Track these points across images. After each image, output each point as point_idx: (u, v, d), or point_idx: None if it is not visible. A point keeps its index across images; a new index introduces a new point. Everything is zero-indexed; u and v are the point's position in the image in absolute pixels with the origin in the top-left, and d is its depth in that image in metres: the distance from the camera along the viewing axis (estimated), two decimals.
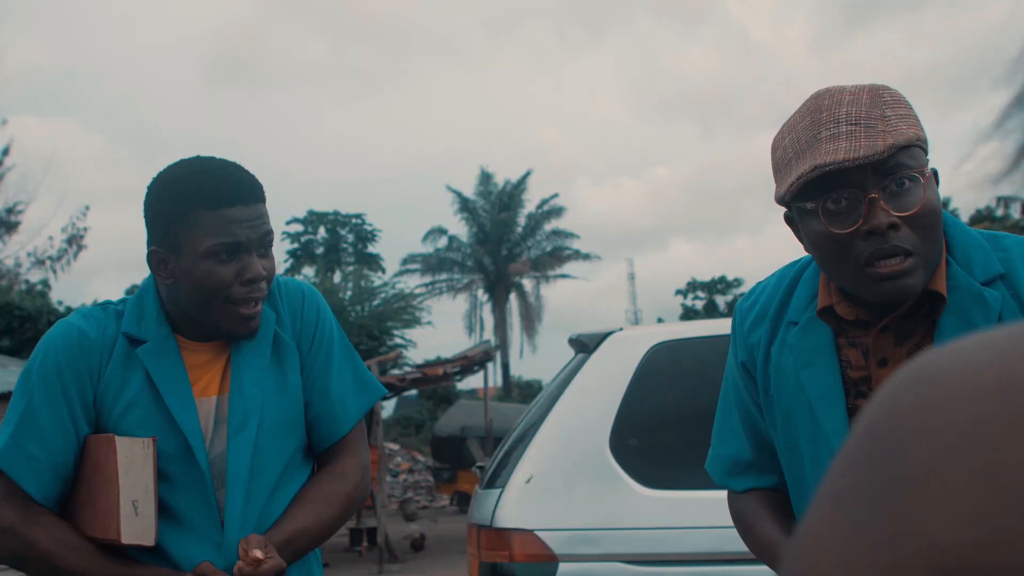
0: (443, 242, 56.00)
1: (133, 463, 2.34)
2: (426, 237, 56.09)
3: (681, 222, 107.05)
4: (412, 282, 50.50)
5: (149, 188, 2.43)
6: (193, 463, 2.38)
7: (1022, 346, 0.52)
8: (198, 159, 2.44)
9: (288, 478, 2.49)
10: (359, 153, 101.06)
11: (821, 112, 1.83)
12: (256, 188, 2.41)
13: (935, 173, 1.84)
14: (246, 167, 2.45)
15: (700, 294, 55.35)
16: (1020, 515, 0.48)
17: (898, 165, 1.78)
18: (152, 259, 2.42)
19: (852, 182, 1.79)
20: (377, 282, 29.10)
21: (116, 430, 2.39)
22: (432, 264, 55.60)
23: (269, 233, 2.41)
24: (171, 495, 2.38)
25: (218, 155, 2.46)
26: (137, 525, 2.33)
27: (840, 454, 0.56)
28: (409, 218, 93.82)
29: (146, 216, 2.43)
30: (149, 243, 2.42)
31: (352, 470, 2.55)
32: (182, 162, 2.44)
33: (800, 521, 0.57)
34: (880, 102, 1.81)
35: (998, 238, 1.89)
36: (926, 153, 1.83)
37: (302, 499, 2.48)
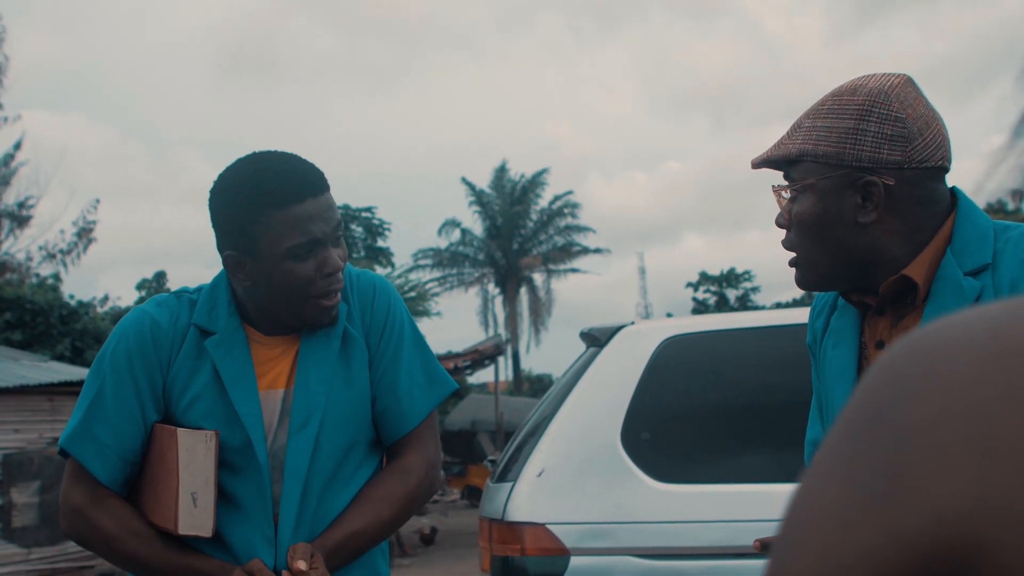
0: (456, 235, 56.10)
1: (195, 455, 2.37)
2: (441, 229, 56.21)
3: (693, 216, 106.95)
4: (423, 276, 50.62)
5: (213, 192, 2.43)
6: (253, 456, 2.40)
7: (1016, 316, 0.53)
8: (259, 157, 2.42)
9: (351, 472, 2.49)
10: (371, 147, 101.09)
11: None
12: (320, 178, 2.41)
13: (854, 182, 1.93)
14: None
15: (711, 288, 55.28)
16: (1016, 474, 0.49)
17: (787, 175, 2.01)
18: (228, 263, 2.42)
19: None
20: (385, 275, 29.10)
21: (183, 419, 2.42)
22: (444, 258, 55.65)
23: (340, 221, 2.41)
24: (232, 485, 2.41)
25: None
26: (195, 517, 2.37)
27: (838, 420, 0.58)
28: (421, 213, 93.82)
29: (215, 221, 2.42)
30: (221, 247, 2.42)
31: (416, 467, 2.54)
32: (243, 162, 2.42)
33: (797, 484, 0.58)
34: (817, 110, 1.98)
35: (1007, 228, 1.94)
36: (829, 166, 1.93)
37: (362, 498, 2.48)
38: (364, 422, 2.52)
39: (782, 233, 2.07)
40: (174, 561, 2.40)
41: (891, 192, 1.92)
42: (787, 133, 2.02)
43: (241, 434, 2.40)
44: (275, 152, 2.43)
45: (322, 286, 2.38)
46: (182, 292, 2.54)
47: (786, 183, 2.02)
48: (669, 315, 43.73)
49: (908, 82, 1.96)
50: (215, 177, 2.44)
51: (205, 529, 2.38)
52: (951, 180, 2.01)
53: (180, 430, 2.38)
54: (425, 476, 2.55)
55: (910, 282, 1.94)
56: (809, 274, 2.04)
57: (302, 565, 2.31)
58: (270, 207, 2.33)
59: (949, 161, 1.96)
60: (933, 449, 0.51)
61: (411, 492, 2.52)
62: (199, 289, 2.54)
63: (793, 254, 2.06)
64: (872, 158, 1.90)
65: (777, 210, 2.07)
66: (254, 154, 2.44)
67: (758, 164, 2.05)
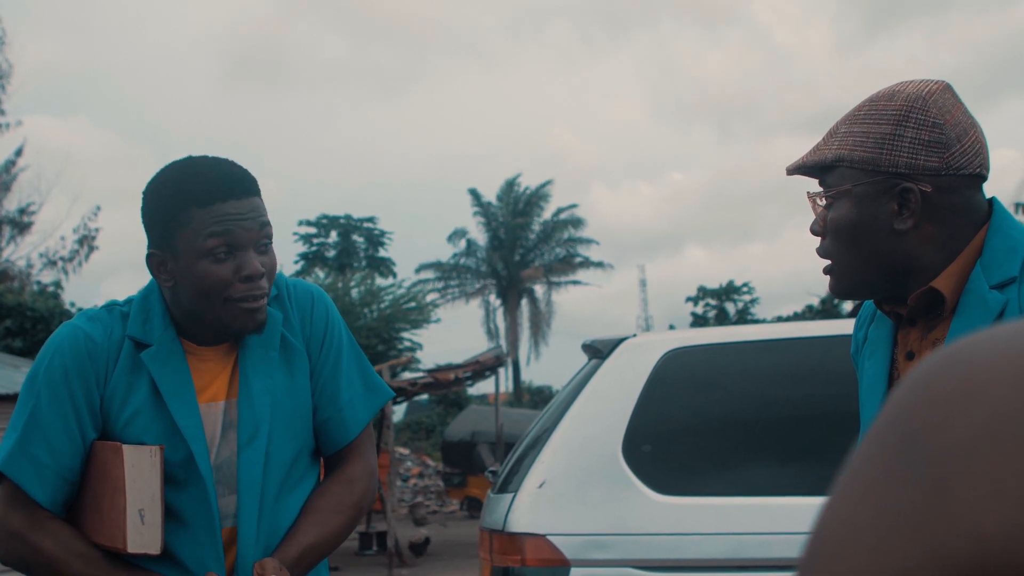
0: (463, 244, 56.16)
1: (140, 471, 2.32)
2: (451, 238, 56.23)
3: (696, 228, 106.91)
4: (425, 288, 50.61)
5: (144, 192, 2.41)
6: (196, 470, 2.36)
7: None
8: (190, 159, 2.40)
9: (296, 482, 2.48)
10: (374, 156, 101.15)
11: None
12: (247, 181, 2.37)
13: (890, 188, 1.91)
14: (256, 166, 2.42)
15: (711, 301, 55.23)
16: None
17: (823, 181, 2.00)
18: (151, 262, 2.39)
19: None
20: (386, 284, 29.10)
21: (122, 435, 2.37)
22: (446, 270, 55.66)
23: (266, 227, 2.37)
24: (176, 500, 2.37)
25: (232, 156, 2.45)
26: (143, 534, 2.32)
27: (866, 439, 0.56)
28: (423, 222, 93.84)
29: (143, 220, 2.40)
30: (148, 246, 2.40)
31: (360, 476, 2.55)
32: (173, 163, 2.41)
33: (824, 505, 0.57)
34: (855, 115, 1.96)
35: None
36: (866, 172, 1.92)
37: (311, 509, 2.47)
38: (308, 430, 2.50)
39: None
40: None
41: (928, 199, 1.90)
42: (823, 139, 2.01)
43: (183, 448, 2.36)
44: (209, 156, 2.42)
45: (240, 290, 2.33)
46: (112, 305, 2.48)
47: (821, 190, 2.01)
48: (672, 327, 43.71)
49: (947, 88, 1.95)
50: None
51: (154, 546, 2.32)
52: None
53: (125, 446, 2.33)
54: (368, 484, 2.56)
55: (938, 294, 1.93)
56: (843, 282, 2.03)
57: None
58: (191, 204, 2.31)
59: (987, 169, 1.94)
60: (974, 471, 0.49)
61: (357, 501, 2.52)
62: (129, 301, 2.49)
63: (827, 261, 2.05)
64: (909, 164, 1.88)
65: (811, 217, 2.07)
66: (188, 157, 2.42)
67: (793, 170, 2.04)
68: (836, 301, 48.60)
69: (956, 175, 1.89)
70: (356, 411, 2.55)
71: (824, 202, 2.00)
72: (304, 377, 2.49)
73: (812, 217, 2.07)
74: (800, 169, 2.03)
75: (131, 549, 2.31)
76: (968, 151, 1.89)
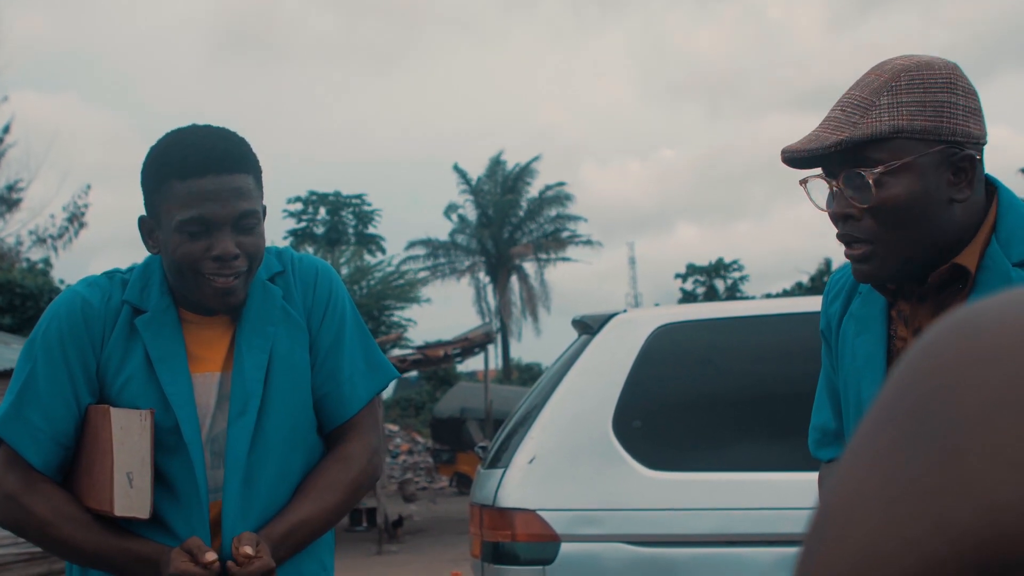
0: (457, 218, 56.06)
1: (129, 435, 2.32)
2: (446, 212, 56.13)
3: (686, 205, 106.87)
4: (415, 265, 50.61)
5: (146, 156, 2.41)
6: (183, 438, 2.36)
7: None
8: (185, 128, 2.39)
9: (296, 459, 2.46)
10: (364, 132, 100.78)
11: (849, 87, 1.91)
12: (233, 158, 2.32)
13: (948, 158, 1.84)
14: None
15: (699, 278, 55.31)
16: None
17: (860, 158, 1.84)
18: (142, 228, 2.41)
19: (825, 167, 1.90)
20: (374, 262, 29.08)
21: (118, 400, 2.37)
22: (435, 247, 55.59)
23: (247, 207, 2.32)
24: (167, 467, 2.37)
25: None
26: (131, 498, 2.32)
27: (874, 407, 0.55)
28: (413, 199, 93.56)
29: (140, 184, 2.41)
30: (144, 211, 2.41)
31: (358, 453, 2.51)
32: (171, 131, 2.39)
33: (831, 476, 0.56)
34: (891, 86, 1.84)
35: None
36: (927, 142, 1.83)
37: (306, 487, 2.45)
38: (306, 407, 2.49)
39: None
40: (112, 545, 2.34)
41: (976, 167, 1.86)
42: (851, 114, 1.86)
43: (173, 415, 2.36)
44: (208, 126, 2.39)
45: (211, 268, 2.30)
46: (114, 272, 2.49)
47: (845, 170, 1.86)
48: (657, 305, 43.75)
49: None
50: None
51: (142, 511, 2.32)
52: None
53: (114, 409, 2.33)
54: (368, 463, 2.52)
55: (960, 270, 1.88)
56: (888, 265, 1.89)
57: (248, 550, 2.28)
58: (173, 176, 2.29)
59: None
60: (986, 440, 0.49)
61: (354, 479, 2.49)
62: (131, 268, 2.50)
63: (861, 246, 1.89)
64: (964, 132, 1.83)
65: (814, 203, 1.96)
66: (191, 125, 2.40)
67: (826, 147, 1.85)
68: (826, 279, 48.64)
69: (983, 144, 1.88)
70: (356, 388, 2.53)
71: (877, 177, 1.84)
72: (303, 352, 2.48)
73: (801, 194, 1.97)
74: (839, 145, 1.85)
75: (118, 512, 2.31)
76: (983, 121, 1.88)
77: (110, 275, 2.49)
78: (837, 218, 1.91)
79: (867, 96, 1.85)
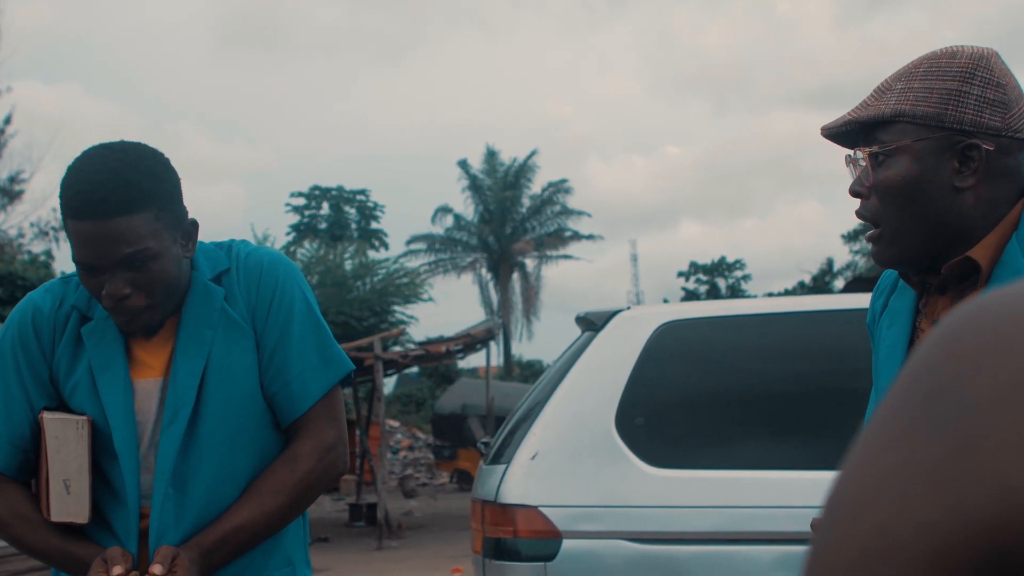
0: (449, 221, 55.99)
1: (65, 443, 2.35)
2: (434, 216, 56.05)
3: (690, 202, 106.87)
4: (417, 262, 50.58)
5: None
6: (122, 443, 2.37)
7: None
8: (87, 157, 2.30)
9: (242, 461, 2.43)
10: (368, 126, 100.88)
11: None
12: (118, 201, 2.22)
13: (953, 145, 1.87)
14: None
15: (702, 277, 55.34)
16: None
17: (869, 139, 1.93)
18: None
19: (851, 146, 1.99)
20: (378, 258, 29.07)
21: (69, 405, 2.41)
22: (436, 243, 55.57)
23: (132, 253, 2.24)
24: (111, 471, 2.39)
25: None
26: (68, 503, 2.36)
27: (891, 392, 0.55)
28: (417, 195, 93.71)
29: None
30: None
31: (306, 453, 2.44)
32: (79, 157, 2.31)
33: (846, 459, 0.56)
34: (910, 73, 1.91)
35: None
36: (928, 128, 1.87)
37: (249, 490, 2.41)
38: (251, 409, 2.43)
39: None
40: (54, 546, 2.39)
41: (989, 158, 1.87)
42: (872, 97, 1.94)
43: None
44: (101, 155, 2.29)
45: (106, 304, 2.29)
46: (70, 276, 2.48)
47: (866, 149, 1.93)
48: (666, 301, 43.76)
49: (998, 54, 1.94)
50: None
51: (81, 516, 2.36)
52: None
53: (47, 417, 2.36)
54: (317, 463, 2.44)
55: (973, 264, 1.90)
56: (892, 248, 1.95)
57: (156, 570, 2.25)
58: (66, 214, 2.26)
59: None
60: (1002, 425, 0.49)
61: (301, 479, 2.42)
62: None
63: (871, 228, 1.98)
64: (974, 121, 1.86)
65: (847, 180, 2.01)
66: (95, 147, 2.32)
67: (839, 126, 1.97)
68: (828, 279, 48.62)
69: (1013, 138, 1.88)
70: (306, 384, 2.45)
71: (876, 160, 1.92)
72: (246, 353, 2.42)
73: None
74: (847, 124, 1.95)
75: (54, 518, 2.36)
76: (1023, 115, 1.89)
77: (66, 279, 2.49)
78: (852, 195, 1.99)
79: (890, 81, 1.93)
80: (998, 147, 1.87)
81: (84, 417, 2.36)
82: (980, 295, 1.69)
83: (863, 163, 1.94)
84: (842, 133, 1.98)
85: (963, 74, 1.87)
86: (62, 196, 2.26)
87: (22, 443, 2.43)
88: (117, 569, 2.27)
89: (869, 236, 1.99)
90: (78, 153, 2.32)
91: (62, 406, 2.43)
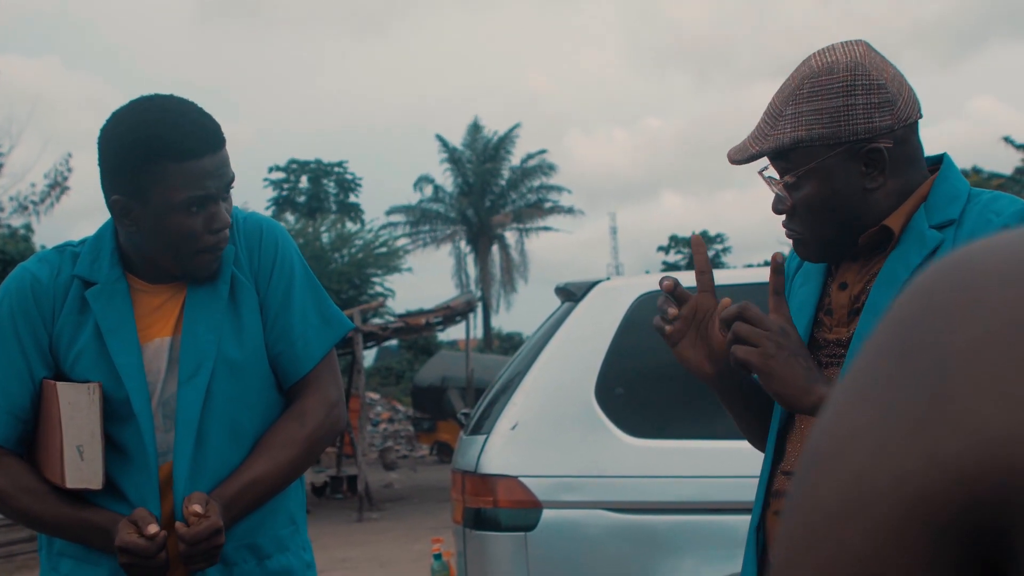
0: (429, 191, 55.89)
1: (78, 409, 2.36)
2: (416, 185, 55.95)
3: (671, 174, 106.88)
4: (395, 232, 50.44)
5: (106, 134, 2.38)
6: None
7: None
8: (157, 103, 2.38)
9: (248, 418, 2.47)
10: (347, 99, 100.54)
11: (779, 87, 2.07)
12: (219, 134, 2.38)
13: (855, 154, 1.96)
14: (230, 110, 2.46)
15: (683, 250, 55.40)
16: None
17: (777, 165, 2.02)
18: (115, 208, 2.38)
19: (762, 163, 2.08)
20: (355, 229, 29.02)
21: (71, 373, 2.41)
22: (416, 215, 55.48)
23: (232, 178, 2.40)
24: (121, 436, 2.39)
25: (205, 100, 2.43)
26: (83, 470, 2.35)
27: (867, 344, 0.56)
28: (394, 168, 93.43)
29: (105, 163, 2.38)
30: (110, 190, 2.38)
31: (313, 409, 2.52)
32: (141, 107, 2.38)
33: (822, 413, 0.57)
34: (795, 95, 1.99)
35: (981, 193, 2.01)
36: (828, 147, 1.96)
37: (260, 445, 2.47)
38: (258, 368, 2.50)
39: (763, 193, 2.09)
40: (66, 515, 2.38)
41: (891, 155, 1.96)
42: (765, 124, 2.02)
43: (123, 386, 2.38)
44: (174, 99, 2.39)
45: (209, 241, 2.36)
46: (65, 246, 2.51)
47: (777, 171, 2.03)
48: (648, 272, 43.78)
49: (870, 47, 2.02)
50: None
51: (95, 482, 2.36)
52: (934, 144, 2.04)
53: (60, 384, 2.37)
54: (325, 418, 2.53)
55: (887, 232, 1.99)
56: (813, 248, 2.06)
57: (197, 508, 2.30)
58: (167, 159, 2.29)
59: (921, 111, 2.02)
60: (977, 374, 0.49)
61: (310, 435, 2.50)
62: (83, 241, 2.51)
63: (793, 235, 2.07)
64: (867, 128, 1.94)
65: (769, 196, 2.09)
66: (152, 98, 2.39)
67: (745, 159, 2.05)
68: None
69: (905, 126, 1.98)
70: (309, 344, 2.53)
71: (787, 182, 2.01)
72: (253, 313, 2.49)
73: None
74: (753, 158, 2.03)
75: (70, 485, 2.35)
76: (908, 101, 1.98)
77: (60, 249, 2.51)
78: (776, 213, 2.08)
79: (779, 105, 2.01)
80: (896, 140, 1.97)
81: (96, 383, 2.37)
82: (884, 262, 1.71)
83: (773, 187, 2.04)
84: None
85: (844, 88, 1.95)
86: (163, 142, 2.30)
87: (23, 414, 2.42)
88: (153, 527, 2.29)
89: (794, 242, 2.09)
90: (127, 108, 2.37)
91: (59, 376, 2.43)
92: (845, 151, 1.95)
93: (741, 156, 2.05)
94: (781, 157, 2.00)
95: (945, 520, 0.50)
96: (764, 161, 2.05)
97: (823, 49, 2.02)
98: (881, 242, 2.02)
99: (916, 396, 0.51)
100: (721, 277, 4.95)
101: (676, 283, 2.13)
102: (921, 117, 2.02)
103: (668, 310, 2.13)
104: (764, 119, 2.04)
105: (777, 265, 2.03)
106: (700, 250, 2.19)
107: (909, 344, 0.53)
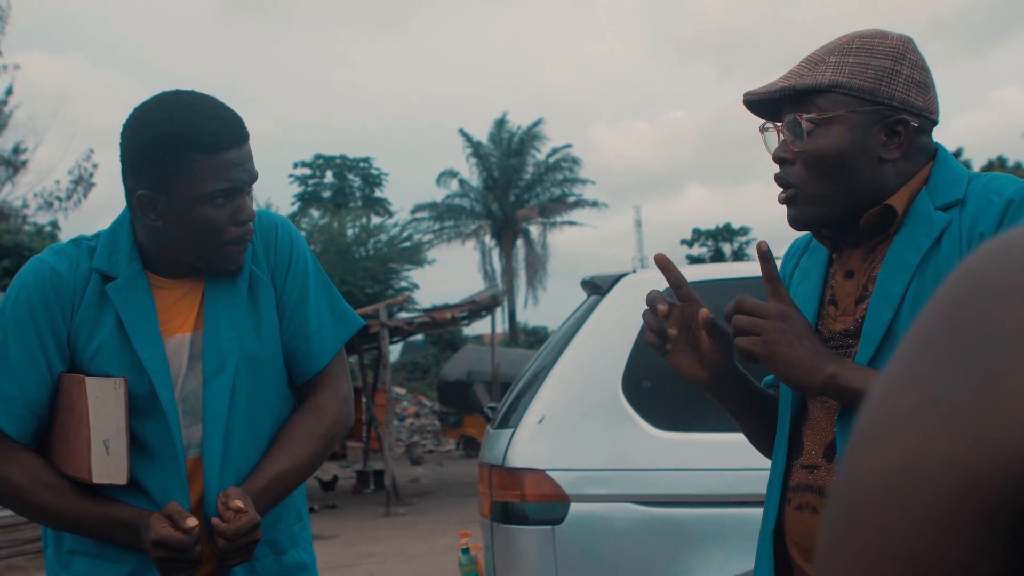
0: (454, 185, 55.91)
1: (104, 403, 2.35)
2: (439, 179, 55.98)
3: (695, 167, 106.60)
4: (420, 227, 50.48)
5: (131, 127, 2.38)
6: (159, 401, 2.38)
7: None
8: (183, 97, 2.39)
9: (265, 413, 2.49)
10: (371, 94, 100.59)
11: None
12: (243, 128, 2.41)
13: (883, 119, 1.95)
14: (252, 105, 2.48)
15: (707, 243, 55.25)
16: None
17: (803, 107, 1.98)
18: (140, 201, 2.37)
19: (776, 115, 2.05)
20: (379, 222, 29.03)
21: (90, 368, 2.39)
22: (441, 210, 55.51)
23: (256, 176, 2.42)
24: (143, 431, 2.39)
25: (229, 96, 2.44)
26: (108, 464, 2.35)
27: (915, 328, 0.55)
28: (420, 163, 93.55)
29: (129, 157, 2.38)
30: (134, 184, 2.38)
31: (330, 403, 2.56)
32: (166, 101, 2.39)
33: (866, 400, 0.56)
34: (843, 48, 1.99)
35: (980, 175, 2.01)
36: (862, 100, 1.95)
37: (280, 440, 2.48)
38: (277, 362, 2.52)
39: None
40: (89, 511, 2.36)
41: (911, 134, 1.97)
42: (803, 67, 2.01)
43: (147, 380, 2.38)
44: (197, 94, 2.41)
45: (236, 233, 2.38)
46: (80, 240, 2.50)
47: (798, 116, 1.98)
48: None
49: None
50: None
51: (120, 477, 2.35)
52: (959, 135, 2.04)
53: (88, 378, 2.36)
54: (340, 412, 2.57)
55: (890, 212, 1.98)
56: (810, 211, 2.01)
57: (240, 503, 2.30)
58: (195, 151, 2.31)
59: (939, 119, 2.04)
60: None
61: (328, 429, 2.53)
62: (97, 235, 2.50)
63: (789, 189, 2.03)
64: (903, 99, 1.95)
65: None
66: (175, 93, 2.41)
67: (773, 92, 2.01)
68: None
69: (929, 118, 2.00)
70: (324, 340, 2.57)
71: (800, 128, 1.98)
72: (270, 309, 2.51)
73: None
74: (784, 91, 2.00)
75: (96, 480, 2.34)
76: (936, 99, 2.01)
77: (76, 243, 2.50)
78: (776, 161, 2.04)
79: (822, 54, 2.01)
80: (919, 125, 1.98)
81: (122, 378, 2.36)
82: (890, 245, 1.69)
83: (789, 131, 2.00)
84: (761, 103, 2.05)
85: (895, 54, 1.97)
86: (192, 135, 2.32)
87: (39, 409, 2.40)
88: (192, 521, 2.29)
89: (784, 197, 2.04)
90: (151, 102, 2.39)
91: (74, 370, 2.42)
92: (876, 112, 1.95)
93: (767, 89, 2.03)
94: (807, 100, 1.98)
95: (994, 506, 0.49)
96: (769, 126, 2.06)
97: (875, 28, 2.03)
98: (882, 225, 2.00)
99: (965, 379, 0.50)
100: (744, 270, 4.94)
101: (666, 303, 2.14)
102: (938, 123, 2.03)
103: (669, 332, 2.14)
104: (802, 64, 2.02)
105: (763, 253, 2.01)
106: (669, 267, 2.16)
107: (958, 327, 0.52)
